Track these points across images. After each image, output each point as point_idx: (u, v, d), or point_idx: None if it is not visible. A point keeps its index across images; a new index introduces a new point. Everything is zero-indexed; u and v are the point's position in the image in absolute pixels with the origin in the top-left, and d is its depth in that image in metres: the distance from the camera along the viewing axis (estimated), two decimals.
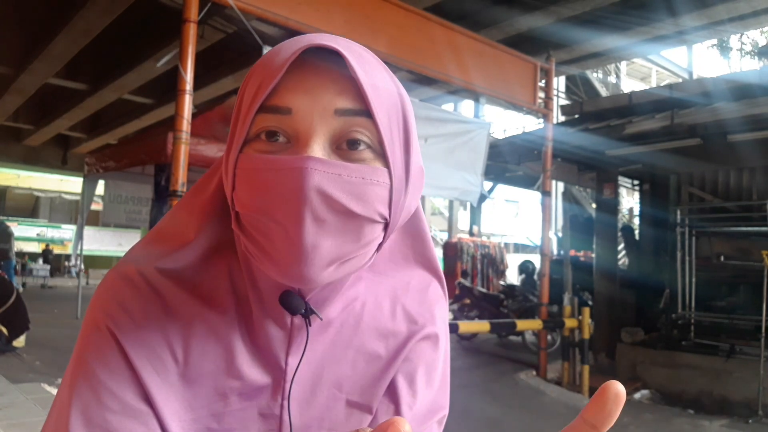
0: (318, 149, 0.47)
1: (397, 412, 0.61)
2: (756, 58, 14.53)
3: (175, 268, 0.56)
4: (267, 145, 0.49)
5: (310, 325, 0.56)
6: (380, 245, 0.53)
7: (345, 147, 0.49)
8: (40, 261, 17.33)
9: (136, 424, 0.50)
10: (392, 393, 0.61)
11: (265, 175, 0.47)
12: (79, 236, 8.83)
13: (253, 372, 0.56)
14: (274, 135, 0.49)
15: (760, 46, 14.43)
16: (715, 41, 14.26)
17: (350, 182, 0.47)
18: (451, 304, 9.91)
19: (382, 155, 0.50)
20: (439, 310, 0.67)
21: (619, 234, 8.47)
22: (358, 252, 0.50)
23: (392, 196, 0.51)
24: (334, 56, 0.49)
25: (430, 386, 0.64)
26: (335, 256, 0.48)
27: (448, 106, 11.58)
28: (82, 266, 10.13)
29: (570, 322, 6.33)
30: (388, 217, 0.51)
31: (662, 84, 18.75)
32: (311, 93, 0.48)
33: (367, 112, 0.49)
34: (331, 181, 0.46)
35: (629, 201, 13.84)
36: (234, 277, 0.57)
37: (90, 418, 0.49)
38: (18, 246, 14.52)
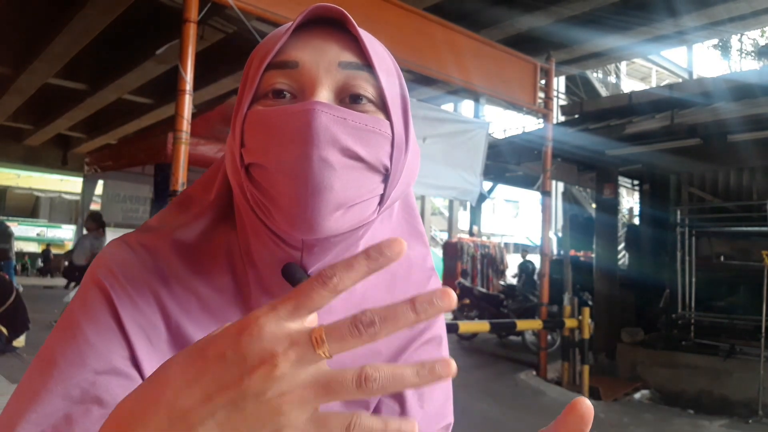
0: (324, 97, 0.49)
1: (403, 412, 0.59)
2: (756, 58, 14.52)
3: (179, 241, 0.57)
4: (274, 102, 0.50)
5: None
6: (381, 200, 0.53)
7: (348, 101, 0.51)
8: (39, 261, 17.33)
9: (119, 387, 0.48)
10: (397, 394, 0.60)
11: (273, 121, 0.49)
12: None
13: None
14: (281, 93, 0.50)
15: (760, 46, 14.42)
16: (715, 41, 14.26)
17: (355, 127, 0.49)
18: None
19: (383, 110, 0.52)
20: None
21: (623, 231, 8.47)
22: (361, 198, 0.50)
23: (393, 149, 0.52)
24: (339, 24, 0.52)
25: (436, 388, 0.62)
26: (341, 200, 0.48)
27: (448, 106, 11.58)
28: None
29: (570, 322, 6.33)
30: (389, 167, 0.52)
31: (662, 84, 18.75)
32: (317, 48, 0.51)
33: (369, 67, 0.51)
34: (338, 124, 0.48)
35: (629, 201, 13.83)
36: (232, 255, 0.57)
37: (71, 376, 0.47)
38: (18, 246, 14.51)
